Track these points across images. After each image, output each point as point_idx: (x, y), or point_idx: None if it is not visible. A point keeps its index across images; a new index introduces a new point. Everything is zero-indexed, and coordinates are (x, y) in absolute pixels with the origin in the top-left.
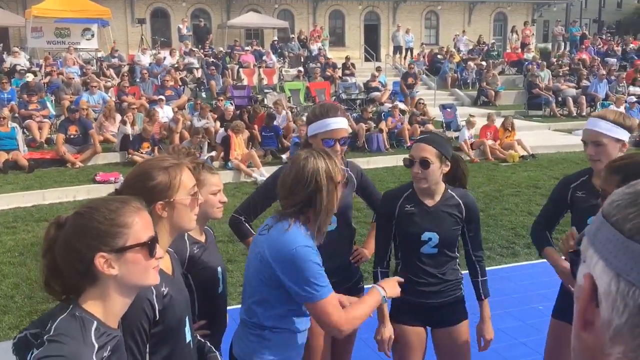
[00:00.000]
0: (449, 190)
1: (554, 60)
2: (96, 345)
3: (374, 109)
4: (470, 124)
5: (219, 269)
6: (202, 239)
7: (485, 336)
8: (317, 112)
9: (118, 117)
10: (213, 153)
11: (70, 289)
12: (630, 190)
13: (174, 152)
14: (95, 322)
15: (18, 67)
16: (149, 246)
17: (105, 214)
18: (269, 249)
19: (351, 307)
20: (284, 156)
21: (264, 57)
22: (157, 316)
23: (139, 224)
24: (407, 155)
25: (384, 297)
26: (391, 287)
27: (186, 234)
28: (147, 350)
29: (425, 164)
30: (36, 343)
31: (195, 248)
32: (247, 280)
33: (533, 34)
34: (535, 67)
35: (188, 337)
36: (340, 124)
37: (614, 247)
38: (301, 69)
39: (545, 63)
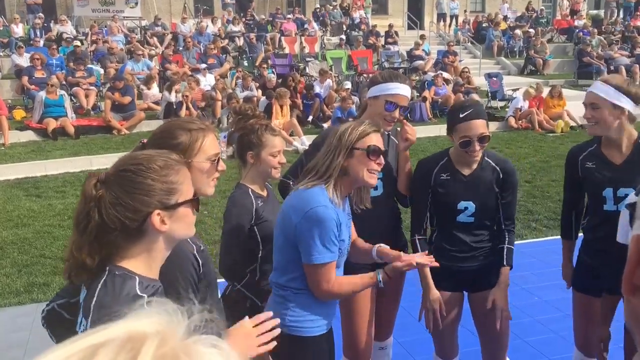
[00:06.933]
0: (485, 157)
1: (607, 27)
2: (145, 296)
3: (417, 77)
4: (528, 95)
5: None
6: (264, 193)
7: (493, 301)
8: (385, 75)
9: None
10: None
11: (103, 250)
12: None
13: (237, 114)
14: (137, 278)
15: (64, 35)
16: (197, 201)
17: (157, 171)
18: (290, 205)
19: (345, 279)
20: (325, 125)
21: (306, 25)
22: (201, 270)
23: (186, 180)
24: (463, 137)
25: (380, 280)
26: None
27: (250, 189)
28: None
29: (484, 139)
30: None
31: (259, 202)
32: (274, 241)
33: (584, 0)
34: (584, 34)
35: (219, 293)
36: (406, 91)
37: None
38: (343, 37)
39: (596, 30)
